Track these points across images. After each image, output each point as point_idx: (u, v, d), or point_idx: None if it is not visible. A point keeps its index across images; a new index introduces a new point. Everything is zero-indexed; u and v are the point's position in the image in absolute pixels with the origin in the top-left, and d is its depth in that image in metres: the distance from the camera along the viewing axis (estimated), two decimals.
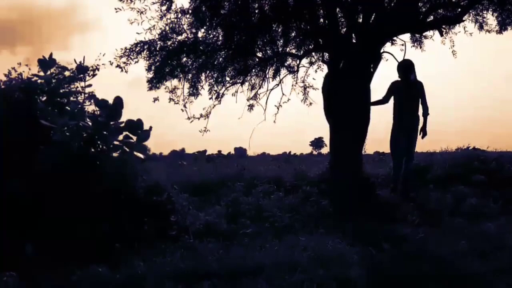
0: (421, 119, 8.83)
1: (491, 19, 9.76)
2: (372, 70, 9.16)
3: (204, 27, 9.24)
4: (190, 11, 9.08)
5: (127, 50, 9.09)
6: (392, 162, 9.47)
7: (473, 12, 9.68)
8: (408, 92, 8.78)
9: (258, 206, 7.52)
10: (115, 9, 8.57)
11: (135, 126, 6.38)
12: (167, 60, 9.29)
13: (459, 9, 9.24)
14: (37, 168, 5.75)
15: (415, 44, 10.52)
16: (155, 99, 9.65)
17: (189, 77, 9.77)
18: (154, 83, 9.54)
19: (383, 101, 8.99)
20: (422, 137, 8.77)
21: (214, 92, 10.01)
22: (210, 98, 10.01)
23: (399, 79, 9.00)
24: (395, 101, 8.92)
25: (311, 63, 10.59)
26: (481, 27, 9.82)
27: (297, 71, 10.45)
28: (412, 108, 8.78)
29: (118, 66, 9.07)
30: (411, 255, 5.23)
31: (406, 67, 8.86)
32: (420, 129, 8.73)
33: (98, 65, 7.16)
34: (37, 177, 5.71)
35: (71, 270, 4.59)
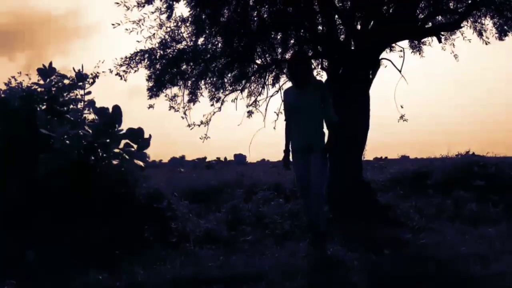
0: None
1: (489, 26, 9.80)
2: (371, 76, 9.20)
3: (204, 35, 9.29)
4: (189, 20, 9.14)
5: (127, 59, 9.15)
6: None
7: (471, 19, 9.73)
8: (304, 98, 5.93)
9: (258, 212, 7.52)
10: (112, 24, 8.63)
11: (136, 134, 6.44)
12: (167, 68, 9.34)
13: (458, 16, 9.29)
14: (37, 176, 5.76)
15: (414, 50, 10.58)
16: (150, 106, 9.68)
17: (188, 85, 9.82)
18: (154, 91, 9.58)
19: (288, 123, 6.12)
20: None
21: (215, 99, 10.06)
22: (211, 105, 10.05)
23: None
24: (288, 115, 6.12)
25: None
26: (480, 34, 9.83)
27: None
28: (309, 120, 5.92)
29: (117, 74, 9.13)
30: (412, 260, 5.22)
31: (292, 64, 6.00)
32: (326, 146, 5.91)
33: (98, 72, 7.20)
34: (37, 184, 5.72)
35: (71, 277, 4.59)
